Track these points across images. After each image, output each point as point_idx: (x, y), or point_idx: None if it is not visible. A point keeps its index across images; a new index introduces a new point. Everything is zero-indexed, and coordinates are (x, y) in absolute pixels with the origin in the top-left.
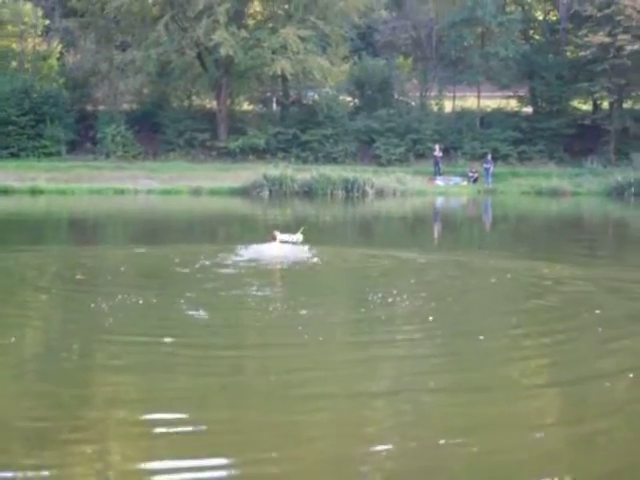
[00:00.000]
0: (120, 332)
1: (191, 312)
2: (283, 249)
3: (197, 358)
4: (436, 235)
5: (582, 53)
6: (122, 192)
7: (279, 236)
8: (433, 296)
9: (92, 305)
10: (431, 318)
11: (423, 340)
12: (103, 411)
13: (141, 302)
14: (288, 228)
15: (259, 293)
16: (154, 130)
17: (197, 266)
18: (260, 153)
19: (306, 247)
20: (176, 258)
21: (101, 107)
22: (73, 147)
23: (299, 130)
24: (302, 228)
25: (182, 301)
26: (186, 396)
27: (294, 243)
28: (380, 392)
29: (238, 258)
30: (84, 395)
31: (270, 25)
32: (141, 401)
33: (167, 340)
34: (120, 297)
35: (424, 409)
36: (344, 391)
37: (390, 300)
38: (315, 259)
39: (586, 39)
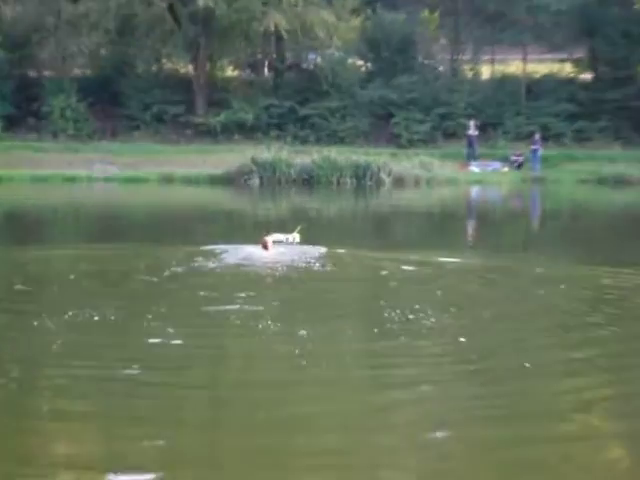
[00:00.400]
0: (70, 361)
1: (160, 335)
2: (278, 251)
3: (167, 399)
4: (470, 235)
5: None
6: (73, 180)
7: (271, 238)
8: (465, 312)
9: (35, 323)
10: (463, 339)
11: (455, 374)
12: (46, 476)
13: (97, 319)
14: (283, 227)
15: (246, 308)
16: (114, 102)
17: (167, 273)
18: (248, 131)
19: (308, 248)
20: (141, 263)
21: (47, 73)
22: (11, 123)
23: (297, 102)
24: (299, 227)
25: (149, 319)
26: (154, 453)
27: (289, 244)
28: (399, 447)
29: (219, 263)
30: (19, 452)
31: None
32: (96, 458)
33: (129, 372)
34: (70, 313)
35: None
36: (356, 450)
37: (411, 317)
38: (317, 264)
39: None
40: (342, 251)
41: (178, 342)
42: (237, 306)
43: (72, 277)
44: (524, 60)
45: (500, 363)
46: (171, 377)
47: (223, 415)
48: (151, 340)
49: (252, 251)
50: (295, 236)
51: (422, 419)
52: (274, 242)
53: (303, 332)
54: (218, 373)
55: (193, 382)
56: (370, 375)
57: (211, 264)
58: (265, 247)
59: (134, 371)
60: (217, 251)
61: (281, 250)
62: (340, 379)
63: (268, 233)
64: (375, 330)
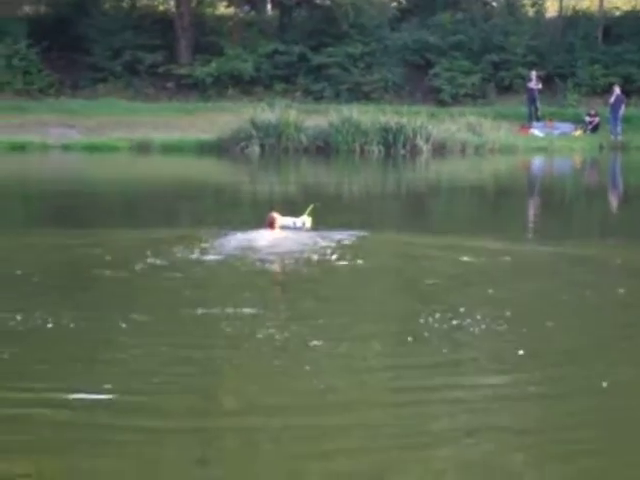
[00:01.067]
0: (16, 382)
1: (129, 350)
2: (283, 238)
3: (144, 434)
4: (531, 217)
5: None
6: (22, 147)
7: (279, 220)
8: (521, 316)
9: None
10: (522, 352)
11: (513, 402)
12: None
13: (50, 326)
14: (290, 208)
15: (242, 311)
16: (74, 48)
17: (139, 266)
18: (246, 85)
19: (324, 232)
20: (107, 254)
21: None
22: None
23: (309, 48)
24: (310, 207)
25: (116, 326)
26: None
27: (298, 229)
28: None
29: (208, 254)
30: None
31: None
32: None
33: (90, 400)
34: (19, 318)
35: None
36: None
37: (454, 323)
38: (334, 253)
39: None
40: (365, 235)
41: (153, 360)
42: (230, 309)
43: (19, 272)
44: None
45: (570, 385)
46: (145, 402)
47: (216, 457)
48: (119, 355)
49: (251, 238)
50: (305, 219)
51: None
52: (282, 228)
53: (315, 342)
54: (207, 397)
55: (176, 409)
56: (399, 403)
57: (197, 254)
58: (271, 225)
59: (102, 395)
60: (205, 237)
61: (289, 234)
62: (359, 403)
63: (278, 213)
64: (409, 339)
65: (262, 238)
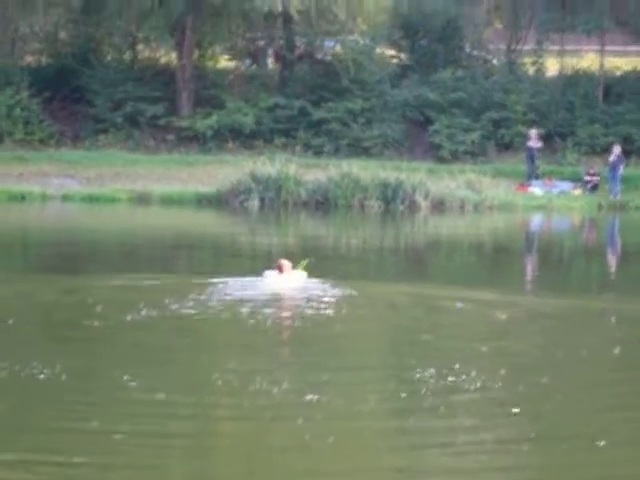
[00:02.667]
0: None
1: (125, 404)
2: (290, 284)
3: None
4: (529, 272)
5: None
6: (22, 197)
7: (287, 267)
8: (518, 372)
9: None
10: (516, 410)
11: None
12: None
13: (41, 377)
14: (290, 260)
15: (240, 368)
16: (75, 99)
17: (130, 317)
18: (246, 138)
19: (325, 284)
20: (98, 304)
21: None
22: None
23: (310, 102)
24: (305, 261)
25: (112, 378)
26: None
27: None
28: None
29: (211, 299)
30: None
31: None
32: None
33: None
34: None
35: None
36: None
37: (451, 380)
38: (333, 304)
39: None
40: (364, 287)
41: (148, 421)
42: (228, 363)
43: (11, 322)
44: (602, 53)
45: (570, 445)
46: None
47: None
48: (116, 409)
49: (254, 285)
50: (300, 274)
51: None
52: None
53: (310, 397)
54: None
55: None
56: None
57: (192, 302)
58: (280, 270)
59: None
60: (203, 286)
61: (296, 281)
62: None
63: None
64: (403, 395)
65: (269, 283)
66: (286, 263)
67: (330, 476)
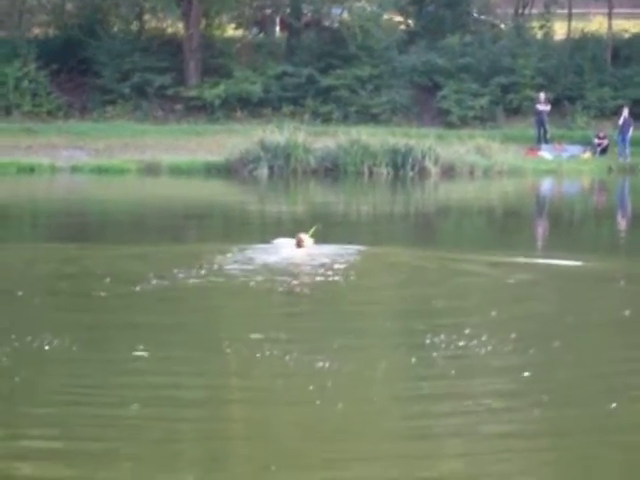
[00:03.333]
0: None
1: (135, 377)
2: (311, 252)
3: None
4: (540, 236)
5: None
6: (31, 169)
7: (306, 241)
8: (530, 336)
9: None
10: (527, 373)
11: (523, 437)
12: None
13: (51, 348)
14: (300, 228)
15: (254, 337)
16: (83, 71)
17: (139, 287)
18: (254, 107)
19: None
20: (107, 275)
21: None
22: None
23: (317, 70)
24: (314, 228)
25: (122, 349)
26: None
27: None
28: None
29: (217, 268)
30: None
31: None
32: None
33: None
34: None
35: None
36: None
37: (461, 344)
38: (342, 272)
39: None
40: (375, 252)
41: (159, 391)
42: (239, 332)
43: (20, 293)
44: (609, 16)
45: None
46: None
47: None
48: (124, 380)
49: (270, 252)
50: (308, 241)
51: None
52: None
53: (321, 364)
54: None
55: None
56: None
57: (209, 269)
58: (299, 244)
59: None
60: (223, 253)
61: (314, 252)
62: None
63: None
64: (413, 359)
65: (287, 252)
66: (305, 238)
67: (338, 442)
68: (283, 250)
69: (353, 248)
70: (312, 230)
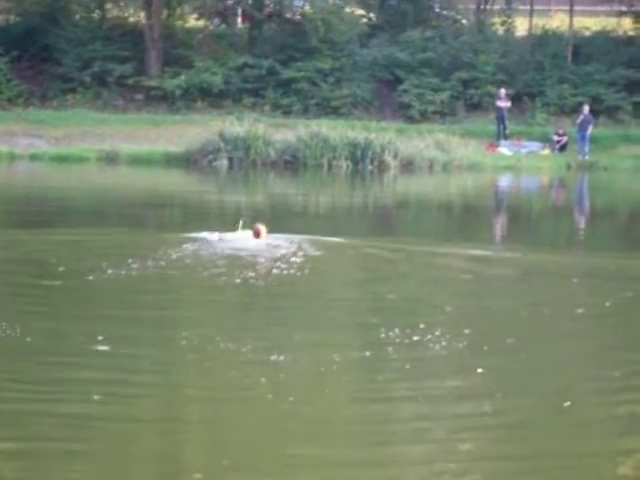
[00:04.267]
0: None
1: (90, 366)
2: (266, 246)
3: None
4: (498, 231)
5: None
6: None
7: (263, 231)
8: (482, 330)
9: None
10: (480, 370)
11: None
12: None
13: (6, 338)
14: (258, 218)
15: (205, 328)
16: (43, 58)
17: (92, 276)
18: (215, 98)
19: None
20: (60, 263)
21: None
22: None
23: (279, 62)
24: (241, 222)
25: (77, 339)
26: None
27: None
28: None
29: (173, 256)
30: None
31: None
32: None
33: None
34: None
35: None
36: None
37: (416, 339)
38: (298, 264)
39: None
40: (331, 243)
41: (116, 382)
42: (194, 320)
43: None
44: (571, 13)
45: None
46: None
47: None
48: (85, 372)
49: (230, 239)
50: (239, 234)
51: None
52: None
53: (274, 357)
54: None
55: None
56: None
57: (165, 257)
58: (257, 235)
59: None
60: (178, 241)
61: (271, 243)
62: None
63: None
64: (367, 354)
65: (250, 245)
66: (263, 228)
67: (288, 433)
68: (241, 240)
69: (308, 238)
70: (240, 223)
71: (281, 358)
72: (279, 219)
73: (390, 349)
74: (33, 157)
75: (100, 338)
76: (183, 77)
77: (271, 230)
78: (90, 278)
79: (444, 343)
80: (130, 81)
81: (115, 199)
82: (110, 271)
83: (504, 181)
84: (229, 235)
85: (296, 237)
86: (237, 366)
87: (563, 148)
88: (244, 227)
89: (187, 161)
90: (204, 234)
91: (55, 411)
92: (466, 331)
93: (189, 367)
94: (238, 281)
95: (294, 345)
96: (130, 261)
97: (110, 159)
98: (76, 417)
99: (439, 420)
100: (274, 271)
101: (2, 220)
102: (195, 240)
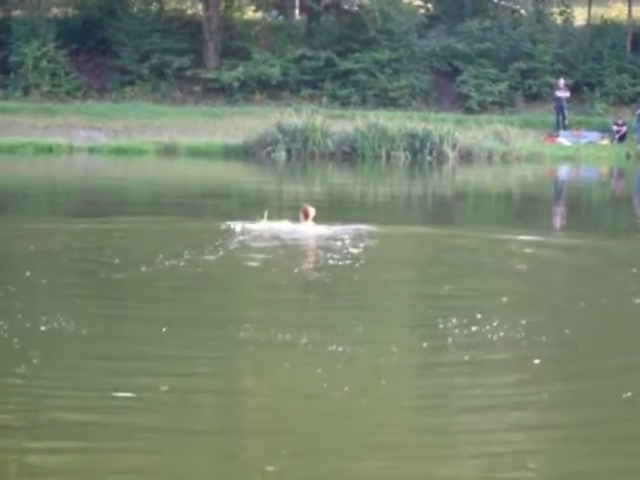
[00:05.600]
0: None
1: (152, 360)
2: (316, 228)
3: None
4: (557, 221)
5: None
6: (49, 150)
7: (312, 212)
8: (542, 318)
9: None
10: (537, 362)
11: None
12: None
13: (64, 332)
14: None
15: (265, 314)
16: (102, 51)
17: (145, 268)
18: (273, 90)
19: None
20: (116, 256)
21: (16, 13)
22: None
23: (336, 53)
24: (266, 212)
25: (134, 333)
26: None
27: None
28: None
29: (229, 246)
30: None
31: None
32: None
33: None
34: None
35: None
36: None
37: (474, 329)
38: (356, 254)
39: None
40: (392, 229)
41: (171, 377)
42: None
43: (28, 274)
44: (630, 2)
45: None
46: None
47: None
48: (141, 364)
49: (289, 229)
50: (263, 225)
51: None
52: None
53: (336, 348)
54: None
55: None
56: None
57: (223, 247)
58: (306, 216)
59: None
60: (232, 229)
61: (321, 228)
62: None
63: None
64: (424, 344)
65: (298, 231)
66: (312, 210)
67: (343, 430)
68: (298, 231)
69: (367, 228)
70: (265, 214)
71: (339, 349)
72: (337, 209)
73: (448, 342)
74: (92, 150)
75: (159, 336)
76: (241, 69)
77: (329, 220)
78: (144, 269)
79: (502, 334)
80: (188, 73)
81: (174, 191)
82: (167, 263)
83: (563, 171)
84: (252, 226)
85: (353, 226)
86: (295, 358)
87: (622, 138)
88: (269, 217)
89: (245, 153)
90: (227, 224)
91: (121, 421)
92: (522, 320)
93: (258, 370)
94: (294, 271)
95: (349, 336)
96: (191, 249)
97: (169, 151)
98: (143, 429)
99: (499, 411)
100: (324, 260)
101: (62, 210)
102: (249, 231)
